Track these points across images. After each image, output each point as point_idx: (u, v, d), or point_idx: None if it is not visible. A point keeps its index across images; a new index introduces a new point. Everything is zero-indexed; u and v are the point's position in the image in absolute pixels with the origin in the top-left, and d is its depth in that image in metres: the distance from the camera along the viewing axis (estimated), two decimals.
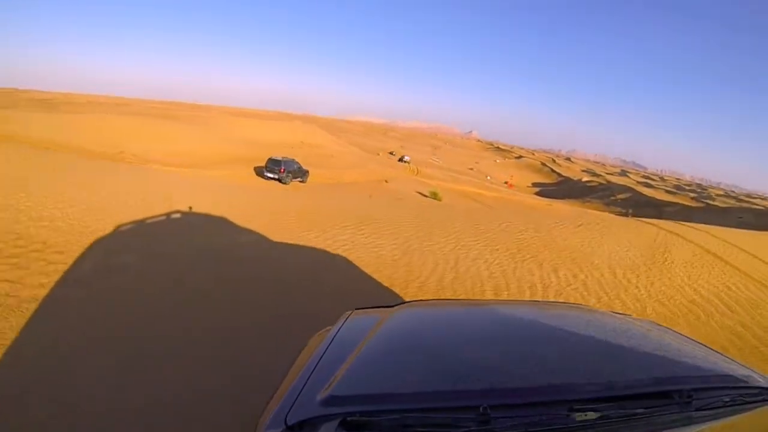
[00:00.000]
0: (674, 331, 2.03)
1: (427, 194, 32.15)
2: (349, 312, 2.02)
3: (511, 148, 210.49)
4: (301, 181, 27.91)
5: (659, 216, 61.38)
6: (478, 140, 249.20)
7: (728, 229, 15.68)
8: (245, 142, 38.61)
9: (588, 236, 13.12)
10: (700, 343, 1.86)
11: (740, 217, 55.93)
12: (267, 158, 27.18)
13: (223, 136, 38.85)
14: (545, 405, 1.23)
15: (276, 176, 26.09)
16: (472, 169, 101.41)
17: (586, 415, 1.19)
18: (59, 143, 24.72)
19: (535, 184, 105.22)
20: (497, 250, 10.76)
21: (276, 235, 9.67)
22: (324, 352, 1.56)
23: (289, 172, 26.37)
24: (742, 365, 1.61)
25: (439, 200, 30.79)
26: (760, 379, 1.50)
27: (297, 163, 27.79)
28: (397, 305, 2.08)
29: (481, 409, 1.16)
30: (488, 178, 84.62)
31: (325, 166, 36.04)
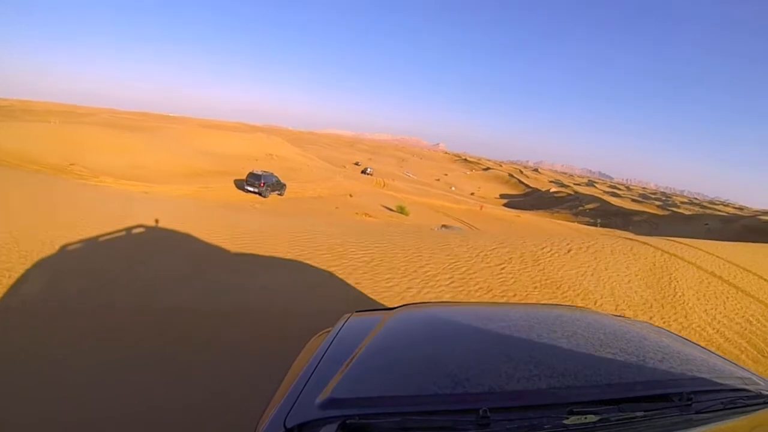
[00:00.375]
0: (672, 333, 1.98)
1: (393, 209, 30.24)
2: (348, 314, 2.01)
3: (479, 159, 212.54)
4: (279, 194, 28.44)
5: (627, 225, 62.48)
6: (446, 152, 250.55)
7: (718, 243, 14.10)
8: (210, 154, 37.32)
9: (582, 264, 11.05)
10: (699, 346, 1.84)
11: (706, 224, 57.30)
12: (247, 173, 27.71)
13: (189, 148, 37.29)
14: (544, 408, 1.23)
15: (256, 190, 26.56)
16: (438, 180, 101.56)
17: (585, 418, 1.20)
18: (5, 151, 23.19)
19: (503, 196, 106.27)
20: (478, 290, 8.43)
21: None
22: (323, 355, 1.56)
23: (268, 186, 26.93)
24: (742, 368, 1.60)
25: (406, 215, 28.94)
26: (760, 382, 1.49)
27: (275, 176, 28.26)
28: (396, 308, 2.07)
29: (480, 411, 1.17)
30: (453, 188, 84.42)
31: (291, 179, 34.88)
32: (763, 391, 1.43)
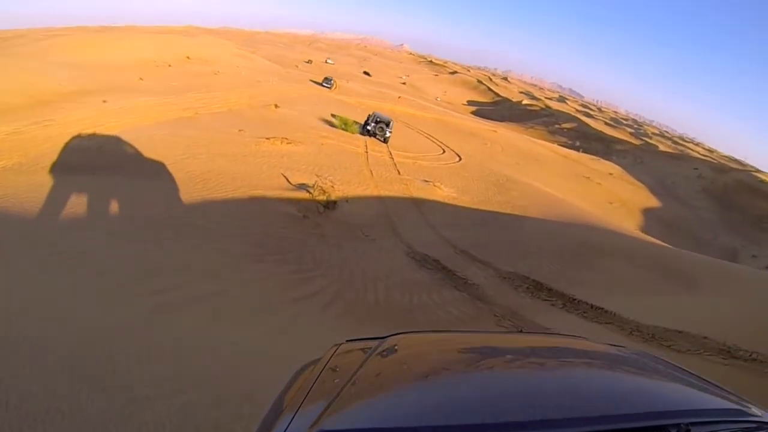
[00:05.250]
0: (669, 362, 1.89)
1: (335, 124, 22.76)
2: (339, 343, 1.93)
3: (445, 62, 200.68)
4: None
5: (609, 153, 58.07)
6: (410, 53, 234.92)
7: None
8: (82, 68, 26.46)
9: None
10: (696, 374, 1.74)
11: (696, 168, 52.42)
12: None
13: (51, 63, 26.03)
14: None
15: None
16: (404, 83, 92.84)
17: None
18: None
19: (470, 102, 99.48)
20: None
21: None
22: (312, 385, 1.50)
23: None
24: (739, 397, 1.54)
25: (352, 132, 21.72)
26: (758, 412, 1.42)
27: None
28: (388, 336, 1.93)
29: None
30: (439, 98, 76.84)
31: (200, 87, 26.36)
32: (762, 421, 1.35)
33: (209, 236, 7.35)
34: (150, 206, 8.31)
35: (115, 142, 12.65)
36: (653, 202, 37.47)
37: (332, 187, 12.28)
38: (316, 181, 11.78)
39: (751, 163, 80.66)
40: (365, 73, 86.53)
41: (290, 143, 16.19)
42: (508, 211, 16.10)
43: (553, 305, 7.94)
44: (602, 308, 7.68)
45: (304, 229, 9.16)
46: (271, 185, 11.63)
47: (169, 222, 7.69)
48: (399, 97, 47.79)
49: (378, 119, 22.61)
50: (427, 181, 16.54)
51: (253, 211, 9.34)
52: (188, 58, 40.97)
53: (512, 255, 10.46)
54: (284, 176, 12.47)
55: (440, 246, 10.75)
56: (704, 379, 1.68)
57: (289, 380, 1.66)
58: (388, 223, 12.10)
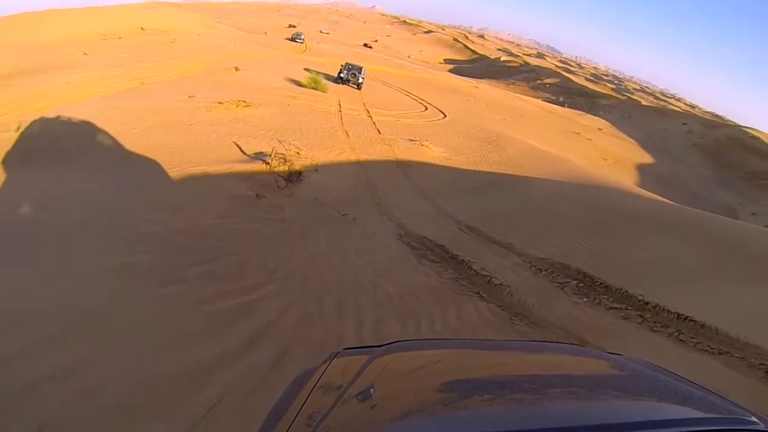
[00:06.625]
0: (669, 371, 1.80)
1: (304, 83, 19.90)
2: (336, 352, 1.83)
3: (419, 22, 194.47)
4: None
5: (594, 108, 56.11)
6: (383, 14, 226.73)
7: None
8: (15, 46, 22.77)
9: None
10: (697, 384, 1.68)
11: (685, 123, 50.79)
12: None
13: None
14: None
15: None
16: (376, 40, 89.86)
17: None
18: None
19: (447, 61, 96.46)
20: None
21: None
22: (308, 396, 1.46)
23: None
24: (741, 407, 1.45)
25: (323, 91, 19.00)
26: (759, 421, 1.35)
27: None
28: (386, 344, 1.83)
29: None
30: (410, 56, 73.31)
31: (152, 57, 23.03)
32: (762, 430, 1.29)
33: (110, 245, 4.84)
34: (43, 207, 5.73)
35: (38, 126, 9.91)
36: (646, 158, 35.82)
37: (297, 153, 9.68)
38: (273, 148, 9.17)
39: (731, 119, 79.63)
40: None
41: (248, 106, 13.43)
42: (509, 171, 13.81)
43: (625, 318, 5.51)
44: (693, 320, 5.30)
45: (258, 215, 6.54)
46: (218, 158, 9.01)
47: (64, 229, 5.15)
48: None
49: (350, 67, 24.18)
50: (412, 141, 14.03)
51: (186, 196, 6.77)
52: (142, 29, 36.83)
53: (533, 230, 8.12)
54: (237, 145, 9.84)
55: (441, 222, 8.33)
56: (704, 388, 1.64)
57: (285, 390, 1.58)
58: (371, 195, 9.60)
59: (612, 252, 7.54)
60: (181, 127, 11.33)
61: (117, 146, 9.50)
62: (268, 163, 8.58)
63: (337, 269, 5.51)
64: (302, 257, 5.63)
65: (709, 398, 1.53)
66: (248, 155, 9.30)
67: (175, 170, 8.28)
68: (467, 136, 17.49)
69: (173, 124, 11.41)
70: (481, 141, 17.09)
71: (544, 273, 6.46)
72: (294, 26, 75.31)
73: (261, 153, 9.20)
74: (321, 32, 75.59)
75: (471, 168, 13.25)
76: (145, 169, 8.35)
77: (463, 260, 6.36)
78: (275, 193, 7.68)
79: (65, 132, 10.01)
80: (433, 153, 13.38)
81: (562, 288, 6.04)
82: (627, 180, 26.26)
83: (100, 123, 10.40)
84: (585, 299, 5.78)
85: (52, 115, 10.65)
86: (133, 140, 9.78)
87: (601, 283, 6.21)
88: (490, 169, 13.63)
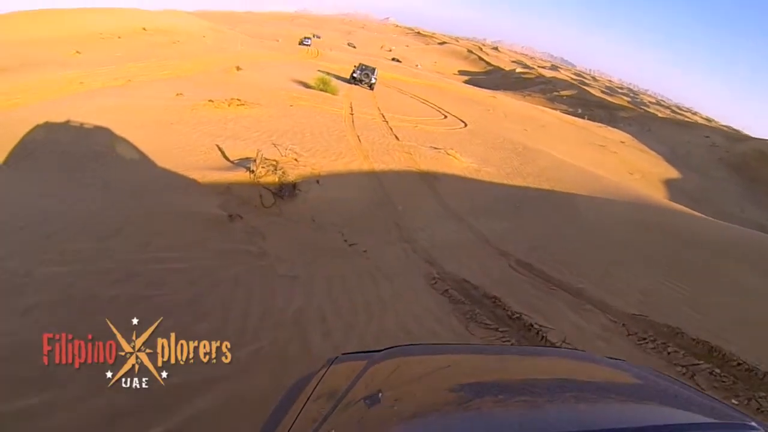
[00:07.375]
0: (670, 377, 1.83)
1: (312, 85, 18.04)
2: (334, 357, 1.78)
3: (433, 34, 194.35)
4: None
5: (614, 120, 53.74)
6: (396, 25, 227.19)
7: None
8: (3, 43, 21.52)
9: None
10: (699, 391, 1.78)
11: (707, 137, 47.95)
12: None
13: None
14: None
15: None
16: (391, 50, 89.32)
17: None
18: None
19: (462, 72, 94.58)
20: None
21: None
22: (306, 402, 1.43)
23: None
24: (743, 414, 1.47)
25: (332, 93, 17.12)
26: (761, 429, 1.32)
27: None
28: (384, 350, 1.78)
29: None
30: (418, 66, 71.85)
31: (149, 57, 21.56)
32: None
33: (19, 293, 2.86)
34: None
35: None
36: (672, 172, 33.51)
37: (295, 160, 7.63)
38: (259, 151, 7.04)
39: (749, 133, 77.29)
40: (350, 44, 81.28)
41: (243, 105, 11.49)
42: (546, 186, 11.72)
43: None
44: None
45: (224, 246, 4.45)
46: (192, 163, 7.03)
47: None
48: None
49: (363, 68, 24.26)
50: (436, 149, 11.97)
51: (131, 215, 4.75)
52: (144, 29, 35.47)
53: (601, 266, 5.99)
54: (219, 148, 7.87)
55: (482, 254, 6.20)
56: (706, 395, 1.69)
57: (284, 394, 1.53)
58: (389, 216, 7.51)
59: (718, 302, 5.40)
60: (159, 126, 9.45)
61: (71, 148, 7.61)
62: (252, 171, 6.55)
63: (339, 348, 3.39)
64: (280, 322, 3.51)
65: (711, 404, 1.53)
66: (231, 161, 7.31)
67: (133, 177, 6.34)
68: (492, 146, 15.55)
69: (150, 124, 9.53)
70: (508, 151, 15.12)
71: (650, 345, 4.26)
72: (319, 36, 72.67)
73: (248, 159, 7.21)
74: (348, 45, 73.43)
75: (504, 182, 11.19)
76: (95, 174, 6.41)
77: (531, 324, 4.20)
78: (257, 213, 5.60)
79: (19, 131, 8.18)
80: (461, 163, 11.32)
81: (692, 377, 3.88)
82: (659, 195, 24.20)
83: (61, 122, 8.56)
84: (734, 400, 3.62)
85: (20, 114, 8.86)
86: (102, 141, 7.93)
87: (739, 363, 4.04)
88: (525, 183, 11.57)
